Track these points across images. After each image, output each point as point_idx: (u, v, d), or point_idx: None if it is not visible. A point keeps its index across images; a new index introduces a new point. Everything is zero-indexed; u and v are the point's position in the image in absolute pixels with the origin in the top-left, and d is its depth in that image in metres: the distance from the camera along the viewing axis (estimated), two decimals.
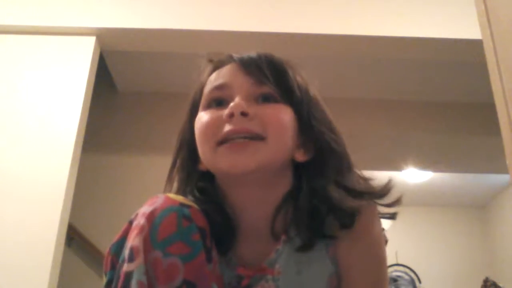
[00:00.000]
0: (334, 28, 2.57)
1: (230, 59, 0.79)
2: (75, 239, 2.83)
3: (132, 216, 0.67)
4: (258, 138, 0.70)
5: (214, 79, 0.77)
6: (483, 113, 3.13)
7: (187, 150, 0.79)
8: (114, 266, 0.64)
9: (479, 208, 5.81)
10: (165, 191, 0.78)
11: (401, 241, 4.98)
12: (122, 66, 3.04)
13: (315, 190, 0.73)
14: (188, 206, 0.66)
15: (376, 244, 0.74)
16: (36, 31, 2.52)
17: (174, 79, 3.11)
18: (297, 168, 0.77)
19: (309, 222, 0.71)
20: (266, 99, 0.74)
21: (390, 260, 4.89)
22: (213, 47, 2.57)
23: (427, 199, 5.49)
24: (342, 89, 3.17)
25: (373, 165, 3.42)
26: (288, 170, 0.76)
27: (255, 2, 2.62)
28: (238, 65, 0.76)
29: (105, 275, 0.66)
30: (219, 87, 0.76)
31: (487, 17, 1.09)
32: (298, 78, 0.78)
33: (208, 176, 0.76)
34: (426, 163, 3.92)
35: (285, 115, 0.74)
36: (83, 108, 2.39)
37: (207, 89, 0.77)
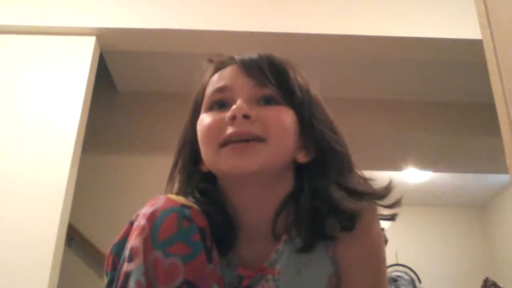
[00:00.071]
0: (334, 28, 2.57)
1: (231, 61, 0.79)
2: (75, 239, 2.83)
3: (133, 217, 0.67)
4: (260, 140, 0.71)
5: (215, 81, 0.77)
6: (483, 113, 3.13)
7: (189, 151, 0.79)
8: (115, 266, 0.64)
9: (479, 208, 5.81)
10: (166, 191, 0.79)
11: (401, 241, 4.98)
12: (122, 66, 3.04)
13: (317, 191, 0.73)
14: (189, 207, 0.67)
15: (376, 245, 0.74)
16: (36, 31, 2.52)
17: (174, 79, 3.11)
18: (299, 169, 0.77)
19: (310, 223, 0.72)
20: (267, 101, 0.74)
21: (390, 260, 4.89)
22: (213, 47, 2.57)
23: (427, 199, 5.49)
24: (342, 89, 3.17)
25: (373, 165, 3.42)
26: (289, 171, 0.76)
27: (255, 2, 2.62)
28: (239, 67, 0.77)
29: (106, 275, 0.66)
30: (220, 89, 0.76)
31: (487, 17, 1.09)
32: (299, 79, 0.78)
33: (210, 177, 0.77)
34: (426, 163, 3.92)
35: (286, 117, 0.74)
36: (83, 108, 2.39)
37: (209, 90, 0.78)
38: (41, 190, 2.19)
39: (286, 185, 0.75)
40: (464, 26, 2.48)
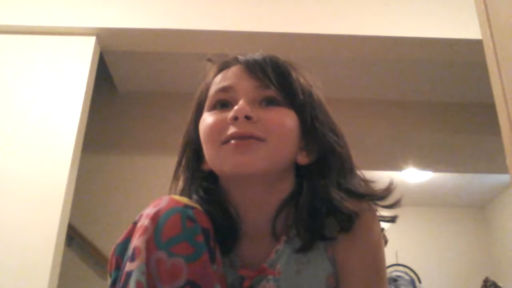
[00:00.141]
0: (334, 28, 2.57)
1: (235, 61, 0.80)
2: (75, 239, 2.83)
3: (137, 217, 0.68)
4: (260, 140, 0.71)
5: (219, 81, 0.78)
6: (483, 113, 3.13)
7: (192, 150, 0.80)
8: (119, 266, 0.65)
9: (479, 208, 5.81)
10: (171, 189, 0.80)
11: (401, 241, 4.98)
12: (122, 66, 3.04)
13: (316, 191, 0.74)
14: (192, 207, 0.67)
15: (375, 246, 0.74)
16: (36, 31, 2.52)
17: (174, 79, 3.12)
18: (300, 170, 0.77)
19: (309, 223, 0.72)
20: (269, 102, 0.75)
21: (390, 260, 4.89)
22: (213, 47, 2.57)
23: (427, 199, 5.49)
24: (342, 89, 3.17)
25: (373, 165, 3.43)
26: (290, 172, 0.77)
27: (255, 2, 2.62)
28: (243, 68, 0.77)
29: (110, 275, 0.66)
30: (223, 89, 0.76)
31: (487, 17, 1.09)
32: (302, 81, 0.79)
33: (213, 177, 0.77)
34: (426, 163, 3.92)
35: (287, 119, 0.74)
36: (83, 108, 2.39)
37: (212, 90, 0.78)
38: (41, 190, 2.19)
39: (286, 186, 0.75)
40: (464, 26, 2.48)
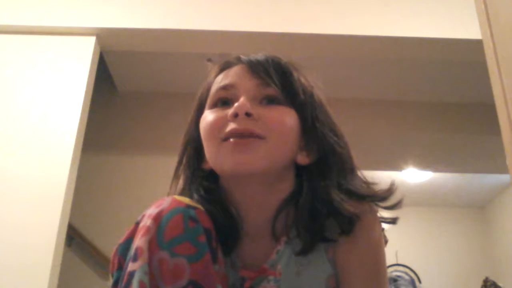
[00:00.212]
0: (334, 28, 2.57)
1: (237, 61, 0.80)
2: (75, 239, 2.83)
3: (139, 218, 0.68)
4: (260, 138, 0.71)
5: (220, 80, 0.78)
6: (483, 113, 3.13)
7: (193, 148, 0.80)
8: (121, 266, 0.65)
9: (479, 208, 5.81)
10: (171, 187, 0.80)
11: (401, 241, 4.98)
12: (122, 66, 3.04)
13: (317, 192, 0.73)
14: (194, 208, 0.67)
15: (376, 248, 0.74)
16: (36, 31, 2.52)
17: (174, 79, 3.12)
18: (300, 171, 0.77)
19: (309, 225, 0.72)
20: (270, 101, 0.75)
21: (390, 260, 4.89)
22: (213, 47, 2.57)
23: (427, 199, 5.49)
24: (342, 89, 3.17)
25: (373, 165, 3.43)
26: (290, 172, 0.77)
27: (255, 2, 2.62)
28: (245, 67, 0.78)
29: (112, 275, 0.66)
30: (225, 87, 0.77)
31: (487, 17, 1.09)
32: (304, 81, 0.79)
33: (213, 176, 0.77)
34: (426, 163, 3.92)
35: (288, 117, 0.74)
36: (83, 108, 2.39)
37: (213, 89, 0.78)
38: (41, 190, 2.19)
39: (286, 186, 0.75)
40: (464, 26, 2.48)
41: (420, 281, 4.82)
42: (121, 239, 0.67)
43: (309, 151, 0.76)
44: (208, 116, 0.75)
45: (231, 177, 0.74)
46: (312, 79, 0.81)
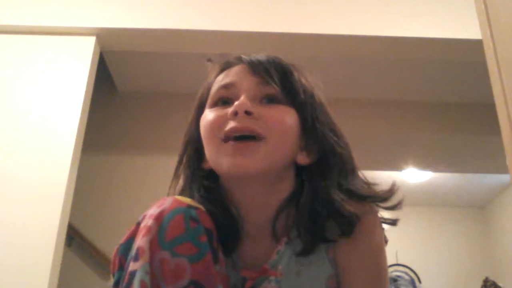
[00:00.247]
0: (334, 28, 2.57)
1: (238, 61, 0.80)
2: (75, 239, 2.83)
3: (140, 218, 0.68)
4: (260, 138, 0.71)
5: (221, 79, 0.79)
6: (483, 113, 3.13)
7: (193, 148, 0.80)
8: (122, 266, 0.65)
9: (479, 208, 5.81)
10: (170, 187, 0.80)
11: (401, 241, 4.99)
12: (122, 66, 3.04)
13: (317, 192, 0.73)
14: (195, 208, 0.67)
15: (377, 249, 0.74)
16: (36, 31, 2.52)
17: (174, 79, 3.12)
18: (301, 171, 0.77)
19: (310, 225, 0.72)
20: (270, 100, 0.75)
21: (390, 260, 4.88)
22: (213, 47, 2.57)
23: (427, 199, 5.49)
24: (342, 89, 3.17)
25: (373, 165, 3.43)
26: (290, 173, 0.76)
27: (255, 2, 2.62)
28: (245, 66, 0.78)
29: (113, 275, 0.66)
30: (225, 86, 0.77)
31: (487, 17, 1.09)
32: (304, 81, 0.79)
33: (213, 176, 0.77)
34: (426, 163, 3.92)
35: (288, 117, 0.74)
36: (83, 108, 2.39)
37: (214, 88, 0.79)
38: (41, 190, 2.19)
39: (286, 186, 0.75)
40: (464, 26, 2.48)
41: (420, 281, 4.82)
42: (122, 239, 0.67)
43: (309, 151, 0.76)
44: (208, 115, 0.76)
45: (230, 178, 0.74)
46: (313, 80, 0.82)
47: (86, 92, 2.43)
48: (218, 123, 0.73)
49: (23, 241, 2.08)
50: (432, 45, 2.61)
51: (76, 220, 2.73)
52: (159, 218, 0.64)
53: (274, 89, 0.75)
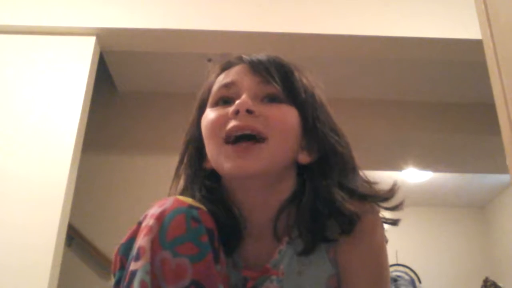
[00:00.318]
0: (334, 28, 2.57)
1: (239, 60, 0.80)
2: (75, 239, 2.83)
3: (141, 218, 0.68)
4: (261, 138, 0.71)
5: (222, 78, 0.79)
6: (483, 113, 3.13)
7: (194, 148, 0.80)
8: (123, 266, 0.65)
9: (479, 208, 5.81)
10: (171, 187, 0.80)
11: (401, 241, 4.99)
12: (122, 66, 3.04)
13: (319, 192, 0.73)
14: (197, 208, 0.67)
15: (378, 249, 0.74)
16: (36, 31, 2.52)
17: (174, 79, 3.12)
18: (302, 171, 0.77)
19: (311, 225, 0.72)
20: (271, 99, 0.75)
21: (390, 260, 4.87)
22: (213, 47, 2.57)
23: (427, 199, 5.49)
24: (342, 89, 3.17)
25: (373, 165, 3.42)
26: (291, 172, 0.77)
27: (255, 2, 2.62)
28: (246, 66, 0.78)
29: (114, 275, 0.66)
30: (226, 85, 0.77)
31: (487, 17, 1.09)
32: (305, 81, 0.79)
33: (215, 175, 0.77)
34: (426, 163, 3.92)
35: (289, 116, 0.74)
36: (83, 108, 2.39)
37: (215, 87, 0.79)
38: (41, 190, 2.19)
39: (288, 186, 0.75)
40: (464, 26, 2.48)
41: (420, 281, 4.82)
42: (123, 239, 0.67)
43: (310, 151, 0.76)
44: (210, 114, 0.76)
45: (232, 178, 0.74)
46: (313, 79, 0.82)
47: (86, 92, 2.43)
48: (219, 122, 0.73)
49: (23, 241, 2.08)
50: (432, 45, 2.61)
51: (76, 220, 2.73)
52: (160, 218, 0.64)
53: (275, 88, 0.75)
